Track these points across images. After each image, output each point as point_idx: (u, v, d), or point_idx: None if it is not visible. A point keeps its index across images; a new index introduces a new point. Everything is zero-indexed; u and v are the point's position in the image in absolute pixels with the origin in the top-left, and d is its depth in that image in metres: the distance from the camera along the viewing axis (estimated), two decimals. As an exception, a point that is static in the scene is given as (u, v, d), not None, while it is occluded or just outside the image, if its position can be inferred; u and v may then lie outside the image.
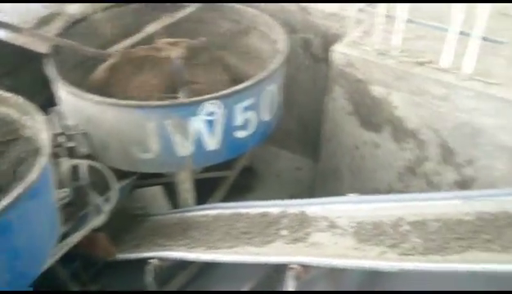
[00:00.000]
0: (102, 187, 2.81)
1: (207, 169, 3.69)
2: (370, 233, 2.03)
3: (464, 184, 3.04)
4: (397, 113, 3.23)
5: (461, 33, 2.97)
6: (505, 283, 1.72)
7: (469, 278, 1.75)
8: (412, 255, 1.80)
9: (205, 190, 3.59)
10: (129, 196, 3.27)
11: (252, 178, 4.27)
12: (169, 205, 3.38)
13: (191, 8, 4.00)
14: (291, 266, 1.98)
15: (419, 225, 1.94)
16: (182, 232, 2.75)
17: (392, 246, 1.90)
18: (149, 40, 3.63)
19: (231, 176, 3.92)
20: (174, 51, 3.42)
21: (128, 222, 3.17)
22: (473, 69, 2.93)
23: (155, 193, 3.35)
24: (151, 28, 3.73)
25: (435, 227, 1.89)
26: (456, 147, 3.06)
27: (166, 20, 3.75)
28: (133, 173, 3.25)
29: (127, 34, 3.71)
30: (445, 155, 3.11)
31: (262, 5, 4.19)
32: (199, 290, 2.82)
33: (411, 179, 3.30)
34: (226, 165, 3.84)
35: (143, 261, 2.60)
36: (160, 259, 2.57)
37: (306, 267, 1.99)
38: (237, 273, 2.54)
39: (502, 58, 2.86)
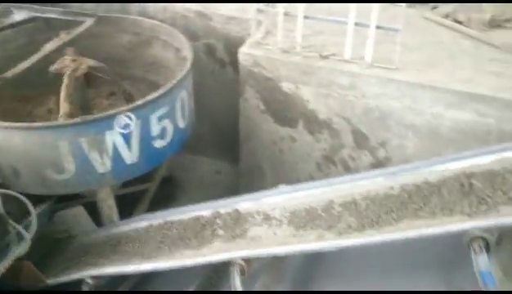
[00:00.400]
0: (20, 215, 2.65)
1: (126, 183, 3.61)
2: (305, 220, 2.10)
3: (379, 166, 3.22)
4: (309, 106, 3.36)
5: (357, 24, 3.16)
6: (437, 245, 1.87)
7: (403, 245, 1.88)
8: (349, 233, 1.89)
9: (127, 205, 3.50)
10: (50, 220, 3.11)
11: (173, 187, 4.23)
12: (93, 224, 3.25)
13: (88, 23, 3.89)
14: (235, 262, 2.00)
15: (350, 205, 2.04)
16: (113, 249, 2.66)
17: (329, 227, 1.98)
18: (47, 59, 3.48)
19: (151, 188, 3.86)
20: (78, 70, 3.32)
21: (51, 247, 3.01)
22: (373, 57, 3.14)
23: (77, 213, 3.20)
24: (49, 46, 3.58)
25: (365, 204, 2.00)
26: (368, 132, 3.24)
27: (64, 37, 3.62)
28: (51, 197, 3.09)
29: (22, 56, 3.53)
30: (358, 140, 3.29)
31: (161, 14, 4.19)
32: None
33: (330, 167, 3.44)
34: (146, 177, 3.77)
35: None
36: (95, 277, 2.48)
37: (248, 261, 2.02)
38: (178, 278, 2.51)
39: (398, 45, 3.08)
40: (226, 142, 4.42)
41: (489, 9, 3.80)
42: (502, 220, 1.55)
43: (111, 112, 2.94)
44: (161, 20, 4.11)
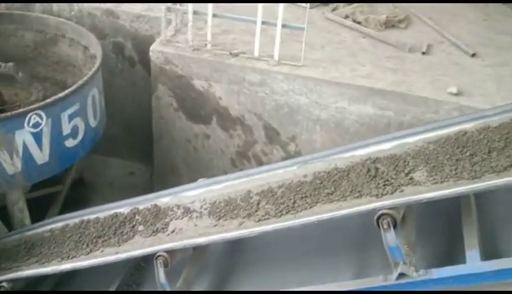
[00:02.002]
0: None
1: (36, 187, 3.48)
2: (224, 210, 2.17)
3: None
4: (221, 103, 3.45)
5: (264, 22, 3.30)
6: (351, 227, 2.03)
7: (320, 229, 2.01)
8: (268, 219, 1.99)
9: (38, 210, 3.38)
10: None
11: (85, 190, 4.13)
12: (4, 228, 3.11)
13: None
14: (158, 254, 2.03)
15: (267, 193, 2.14)
16: (28, 251, 2.57)
17: (248, 216, 2.07)
18: None
19: (63, 191, 3.76)
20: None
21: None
22: (280, 55, 3.28)
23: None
24: None
25: (281, 192, 2.11)
26: (279, 127, 3.39)
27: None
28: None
29: None
30: (270, 136, 3.43)
31: (67, 12, 4.08)
32: None
33: (244, 162, 3.55)
34: (56, 180, 3.66)
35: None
36: (11, 280, 2.39)
37: (171, 252, 2.06)
38: (99, 277, 2.49)
39: (303, 43, 3.25)
40: (138, 142, 4.39)
41: (384, 11, 4.11)
42: (406, 199, 1.72)
43: (21, 110, 2.84)
44: (67, 19, 4.01)
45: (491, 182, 1.60)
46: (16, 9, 4.09)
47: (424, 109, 3.04)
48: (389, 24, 4.01)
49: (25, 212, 3.20)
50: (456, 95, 3.03)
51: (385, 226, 1.63)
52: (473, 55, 3.55)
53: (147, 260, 2.50)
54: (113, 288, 2.40)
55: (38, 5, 4.11)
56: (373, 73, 3.29)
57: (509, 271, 1.50)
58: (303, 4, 3.88)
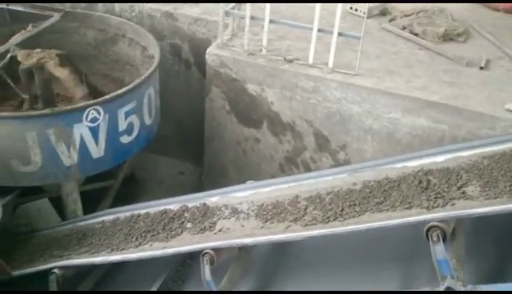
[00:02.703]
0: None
1: (90, 180, 3.61)
2: (271, 213, 2.20)
3: (339, 167, 3.37)
4: (273, 108, 3.48)
5: (320, 30, 3.30)
6: (398, 238, 2.01)
7: (367, 238, 2.01)
8: (314, 224, 2.00)
9: (90, 202, 3.50)
10: (14, 213, 3.08)
11: (135, 186, 4.24)
12: (58, 218, 3.24)
13: (55, 18, 3.88)
14: (205, 252, 2.07)
15: (315, 199, 2.15)
16: (79, 241, 2.68)
17: (295, 220, 2.08)
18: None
19: (114, 186, 3.87)
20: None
21: (14, 240, 2.99)
22: (334, 62, 3.28)
23: (42, 206, 3.19)
24: (15, 39, 3.55)
25: (329, 198, 2.12)
26: (329, 135, 3.38)
27: (31, 30, 3.60)
28: (15, 188, 3.06)
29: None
30: (320, 143, 3.42)
31: (128, 12, 4.22)
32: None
33: (292, 168, 3.56)
34: (109, 175, 3.79)
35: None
36: (62, 268, 2.49)
37: (217, 251, 2.10)
38: (145, 271, 2.56)
39: (359, 52, 3.23)
40: (190, 143, 4.48)
41: (442, 23, 4.04)
42: (457, 213, 1.69)
43: (80, 105, 2.96)
44: (128, 19, 4.15)
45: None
46: (80, 8, 4.27)
47: (480, 125, 2.96)
48: (447, 38, 3.94)
49: (78, 204, 3.32)
50: (515, 112, 2.94)
51: (435, 239, 1.61)
52: (535, 71, 3.43)
53: (193, 257, 2.56)
54: (158, 283, 2.46)
55: (100, 5, 4.27)
56: (428, 86, 3.24)
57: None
58: (361, 13, 3.87)
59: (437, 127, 3.07)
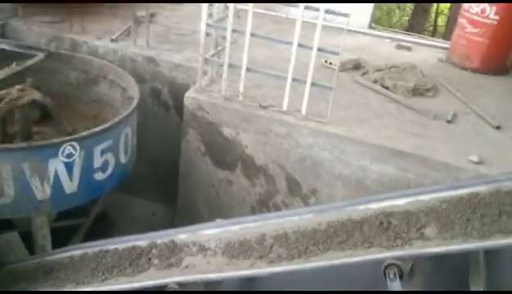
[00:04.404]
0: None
1: (61, 217, 3.60)
2: (238, 250, 2.23)
3: (309, 211, 3.44)
4: (247, 152, 3.57)
5: (294, 79, 3.44)
6: (359, 275, 2.06)
7: (330, 276, 2.06)
8: (279, 261, 2.05)
9: (61, 239, 3.48)
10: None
11: (107, 225, 4.23)
12: (26, 252, 3.22)
13: (39, 57, 3.97)
14: (169, 287, 2.09)
15: (281, 238, 2.20)
16: (45, 275, 2.65)
17: (260, 257, 2.13)
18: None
19: (86, 223, 3.86)
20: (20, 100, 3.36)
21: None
22: (307, 110, 3.41)
23: (11, 239, 3.17)
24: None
25: (295, 237, 2.16)
26: (301, 179, 3.47)
27: (14, 67, 3.67)
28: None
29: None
30: (292, 187, 3.50)
31: (111, 55, 4.33)
32: None
33: (264, 211, 3.62)
34: (81, 212, 3.79)
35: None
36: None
37: (183, 286, 2.12)
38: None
39: (330, 101, 3.37)
40: (164, 185, 4.50)
41: (412, 79, 4.23)
42: (413, 251, 1.77)
43: (57, 140, 3.00)
44: (110, 62, 4.25)
45: (499, 241, 1.64)
46: (65, 49, 4.37)
47: (445, 174, 3.08)
48: (417, 92, 4.13)
49: (48, 239, 3.31)
50: (477, 163, 3.08)
51: (391, 276, 1.67)
52: (498, 127, 3.61)
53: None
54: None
55: (84, 46, 4.39)
56: (396, 136, 3.37)
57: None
58: (334, 66, 4.04)
59: (404, 176, 3.18)
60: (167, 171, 4.37)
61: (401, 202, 2.07)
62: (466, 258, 1.90)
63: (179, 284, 2.12)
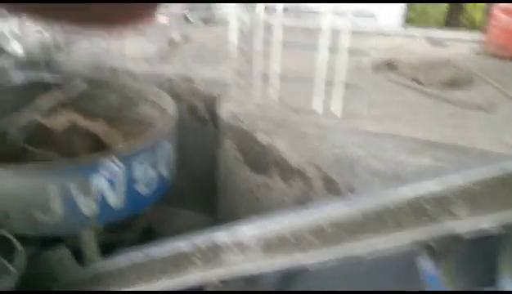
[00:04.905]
0: (8, 254, 2.78)
1: (107, 232, 3.74)
2: (276, 246, 2.27)
3: (348, 209, 3.44)
4: (283, 156, 3.61)
5: (327, 82, 3.48)
6: (394, 263, 2.07)
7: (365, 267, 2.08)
8: (316, 253, 2.08)
9: (108, 254, 3.61)
10: (34, 262, 3.21)
11: (153, 239, 4.32)
12: (77, 266, 3.35)
13: (82, 86, 4.18)
14: (212, 283, 2.15)
15: (317, 231, 2.22)
16: (98, 284, 2.78)
17: (298, 250, 2.16)
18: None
19: (132, 238, 3.99)
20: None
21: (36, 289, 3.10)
22: (341, 111, 3.44)
23: (62, 255, 3.31)
24: (43, 103, 3.83)
25: (330, 229, 2.19)
26: (337, 178, 3.48)
27: (59, 96, 3.89)
28: (37, 239, 3.21)
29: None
30: (329, 187, 3.52)
31: (150, 77, 4.50)
32: None
33: (303, 212, 3.63)
34: (127, 226, 3.92)
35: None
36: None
37: (225, 282, 2.17)
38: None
39: (365, 101, 3.39)
40: (204, 195, 4.60)
41: (447, 73, 4.19)
42: (446, 231, 1.76)
43: (100, 156, 3.15)
44: (149, 83, 4.42)
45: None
46: (105, 75, 4.59)
47: (485, 162, 3.02)
48: (452, 85, 4.08)
49: (96, 253, 3.44)
50: (518, 149, 3.01)
51: (424, 256, 1.67)
52: (539, 113, 3.52)
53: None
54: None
55: (124, 72, 4.58)
56: (433, 129, 3.35)
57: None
58: (367, 67, 4.05)
59: (441, 166, 3.14)
60: (207, 182, 4.47)
61: (434, 186, 2.06)
62: (498, 242, 1.88)
63: (221, 281, 2.17)
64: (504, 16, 4.84)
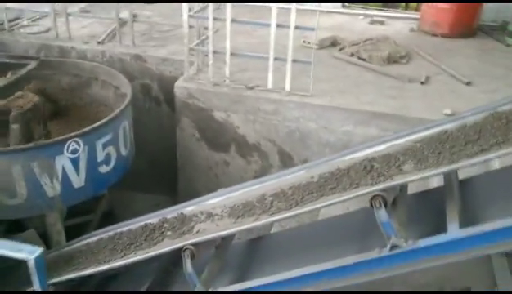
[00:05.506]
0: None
1: (69, 215, 3.80)
2: (242, 211, 2.46)
3: (302, 178, 3.68)
4: (239, 132, 3.80)
5: (276, 58, 3.67)
6: (352, 222, 2.33)
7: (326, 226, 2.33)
8: (279, 212, 2.29)
9: (71, 238, 3.68)
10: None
11: (113, 222, 4.40)
12: (45, 248, 3.41)
13: (31, 65, 4.17)
14: (185, 247, 2.32)
15: (279, 194, 2.42)
16: (65, 263, 2.85)
17: (263, 212, 2.36)
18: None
19: (94, 220, 4.07)
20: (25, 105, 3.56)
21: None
22: (291, 86, 3.65)
23: (29, 237, 3.35)
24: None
25: (291, 192, 2.40)
26: (291, 151, 3.71)
27: (10, 77, 3.88)
28: (2, 222, 3.26)
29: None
30: (284, 160, 3.75)
31: (99, 58, 4.54)
32: None
33: (260, 184, 3.85)
34: (88, 210, 4.00)
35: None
36: (55, 283, 2.69)
37: (197, 246, 2.35)
38: (131, 283, 2.78)
39: (311, 76, 3.61)
40: (163, 176, 4.72)
41: (386, 48, 4.49)
42: (394, 183, 2.02)
43: (61, 137, 3.22)
44: (99, 63, 4.46)
45: (464, 163, 1.91)
46: (54, 56, 4.58)
47: (423, 129, 3.33)
48: (392, 60, 4.39)
49: (62, 234, 3.52)
50: (451, 115, 3.33)
51: (377, 205, 1.92)
52: (468, 83, 3.88)
53: (175, 265, 2.79)
54: (144, 288, 2.68)
55: (73, 52, 4.60)
56: (376, 101, 3.63)
57: (482, 236, 1.77)
58: (312, 45, 4.28)
59: (385, 135, 3.42)
60: (164, 162, 4.59)
61: (381, 147, 2.32)
62: (443, 191, 2.16)
63: (193, 245, 2.35)
64: (436, -5, 5.19)
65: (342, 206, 2.52)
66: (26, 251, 1.92)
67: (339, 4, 6.00)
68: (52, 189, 3.23)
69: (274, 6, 3.47)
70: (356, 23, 5.67)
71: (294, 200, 2.31)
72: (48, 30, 4.98)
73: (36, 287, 2.36)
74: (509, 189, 2.14)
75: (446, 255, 1.89)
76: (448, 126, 2.18)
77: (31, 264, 1.96)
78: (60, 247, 3.23)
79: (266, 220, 2.28)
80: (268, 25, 3.55)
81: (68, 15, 4.75)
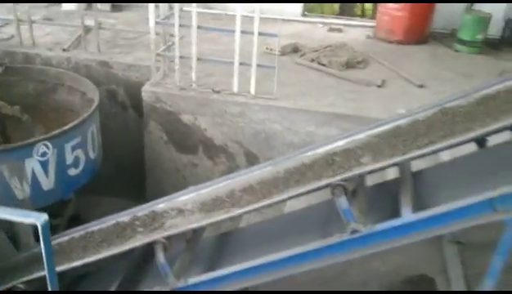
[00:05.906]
0: None
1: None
2: (212, 205, 2.59)
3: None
4: (206, 134, 3.92)
5: (241, 63, 3.82)
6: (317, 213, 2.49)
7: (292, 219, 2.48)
8: (247, 205, 2.43)
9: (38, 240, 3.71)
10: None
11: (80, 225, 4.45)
12: (14, 249, 3.43)
13: (-4, 71, 4.19)
14: (157, 240, 2.43)
15: (248, 189, 2.56)
16: (37, 261, 2.90)
17: (232, 205, 2.50)
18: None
19: (61, 224, 4.09)
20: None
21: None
22: (256, 90, 3.81)
23: (-2, 240, 3.37)
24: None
25: (259, 187, 2.54)
26: (257, 152, 3.86)
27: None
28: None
29: None
30: (250, 161, 3.89)
31: (65, 64, 4.59)
32: None
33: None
34: (55, 214, 4.02)
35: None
36: (27, 282, 2.75)
37: (169, 239, 2.46)
38: (103, 279, 2.86)
39: (275, 80, 3.78)
40: (130, 180, 4.77)
41: (344, 54, 4.71)
42: (353, 173, 2.21)
43: (30, 140, 3.27)
44: (65, 70, 4.51)
45: (415, 153, 2.11)
46: (20, 61, 4.60)
47: (380, 129, 3.54)
48: (349, 65, 4.61)
49: (31, 237, 3.50)
50: (405, 115, 3.55)
51: (338, 193, 2.09)
52: (421, 86, 4.13)
53: (146, 261, 2.88)
54: (115, 284, 2.76)
55: (38, 59, 4.63)
56: (336, 103, 3.83)
57: (432, 219, 1.96)
58: (275, 51, 4.46)
59: (345, 134, 3.62)
60: (131, 167, 4.65)
61: (342, 142, 2.48)
62: (398, 182, 2.36)
63: (166, 238, 2.46)
64: (390, 5, 5.47)
65: (305, 201, 2.70)
66: (33, 217, 2.12)
67: (300, 12, 6.20)
68: (22, 191, 3.27)
69: (238, 14, 3.62)
70: (315, 31, 5.89)
71: (262, 194, 2.46)
72: (11, 37, 4.99)
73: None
74: (454, 179, 2.36)
75: (401, 237, 2.08)
76: (402, 122, 2.37)
77: (40, 227, 2.17)
78: (30, 249, 3.27)
79: (236, 212, 2.41)
80: (233, 32, 3.69)
81: (31, 22, 4.78)
